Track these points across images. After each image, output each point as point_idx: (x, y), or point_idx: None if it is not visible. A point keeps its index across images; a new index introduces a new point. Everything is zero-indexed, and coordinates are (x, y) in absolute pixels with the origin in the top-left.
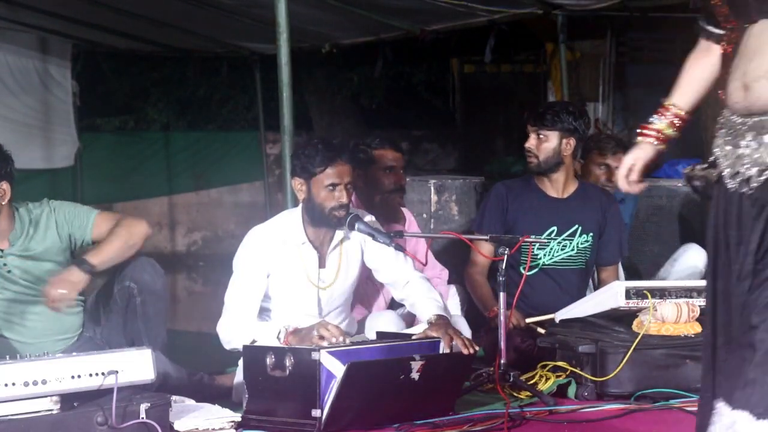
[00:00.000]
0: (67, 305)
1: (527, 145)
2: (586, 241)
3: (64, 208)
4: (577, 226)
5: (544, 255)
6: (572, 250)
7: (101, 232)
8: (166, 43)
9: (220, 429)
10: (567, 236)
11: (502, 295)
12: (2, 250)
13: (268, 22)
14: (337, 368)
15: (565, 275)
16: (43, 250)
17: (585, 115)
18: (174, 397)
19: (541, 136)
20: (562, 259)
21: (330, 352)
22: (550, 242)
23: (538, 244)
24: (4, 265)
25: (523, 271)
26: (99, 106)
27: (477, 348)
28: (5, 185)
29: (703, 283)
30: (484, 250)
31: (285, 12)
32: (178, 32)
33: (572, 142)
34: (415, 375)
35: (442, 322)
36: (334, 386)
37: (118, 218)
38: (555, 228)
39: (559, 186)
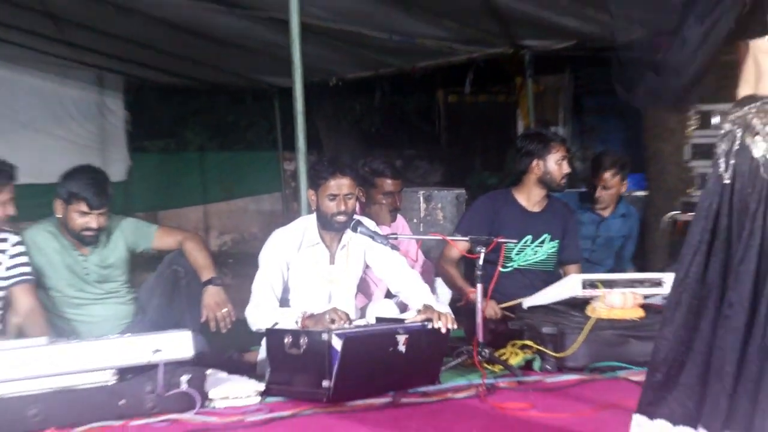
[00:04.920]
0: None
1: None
2: (553, 247)
3: (129, 224)
4: (546, 235)
5: (519, 258)
6: (543, 254)
7: (162, 241)
8: (201, 78)
9: (247, 396)
10: (539, 243)
11: (479, 286)
12: (85, 256)
13: (285, 60)
14: (340, 345)
15: (537, 275)
16: (115, 260)
17: None
18: (209, 371)
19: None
20: (535, 261)
21: (337, 334)
22: (517, 244)
23: (514, 248)
24: (84, 268)
25: (501, 268)
26: (146, 130)
27: (455, 326)
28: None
29: (643, 275)
30: (461, 246)
31: (299, 52)
32: (211, 69)
33: None
34: (401, 348)
35: (429, 308)
36: (340, 360)
37: (181, 231)
38: (530, 236)
39: (531, 201)
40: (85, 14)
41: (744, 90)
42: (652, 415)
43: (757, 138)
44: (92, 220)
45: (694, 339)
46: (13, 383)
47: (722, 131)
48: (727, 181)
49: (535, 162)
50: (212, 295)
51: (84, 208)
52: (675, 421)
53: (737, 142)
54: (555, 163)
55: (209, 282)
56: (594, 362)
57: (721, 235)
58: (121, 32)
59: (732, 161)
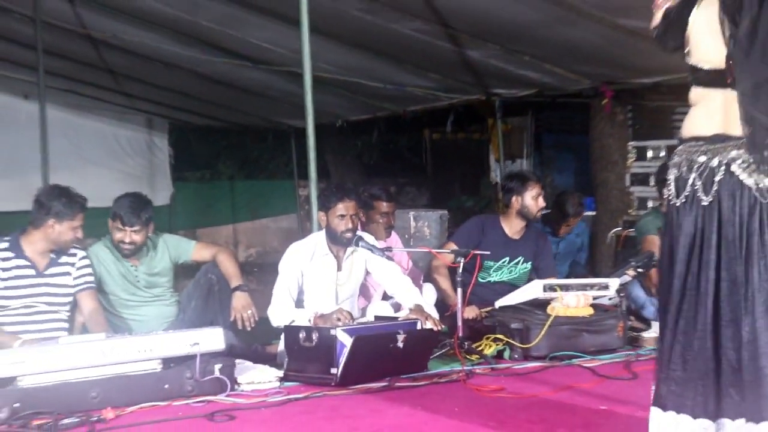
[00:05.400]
0: (251, 316)
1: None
2: (526, 268)
3: (172, 240)
4: (521, 257)
5: (496, 274)
6: (516, 273)
7: (199, 254)
8: (231, 120)
9: (269, 382)
10: (514, 264)
11: (459, 291)
12: (136, 267)
13: (300, 106)
14: (347, 340)
15: (509, 288)
16: (160, 270)
17: None
18: (237, 360)
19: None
20: (509, 278)
21: (343, 330)
22: (496, 263)
23: (493, 265)
24: (135, 276)
25: (479, 279)
26: (186, 163)
27: (442, 326)
28: (152, 226)
29: (593, 280)
30: (447, 257)
31: (311, 99)
32: (239, 113)
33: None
34: (400, 344)
35: (419, 308)
36: (346, 352)
37: (215, 246)
38: (507, 258)
39: (513, 229)
40: (138, 70)
41: (699, 129)
42: (664, 408)
43: (749, 170)
44: (125, 236)
45: (694, 339)
46: (78, 371)
47: (696, 163)
48: (705, 204)
49: (514, 198)
50: (239, 299)
51: (119, 224)
52: (695, 415)
53: (721, 173)
54: (531, 199)
55: (237, 288)
56: (553, 352)
57: (712, 248)
58: (166, 84)
59: (715, 188)
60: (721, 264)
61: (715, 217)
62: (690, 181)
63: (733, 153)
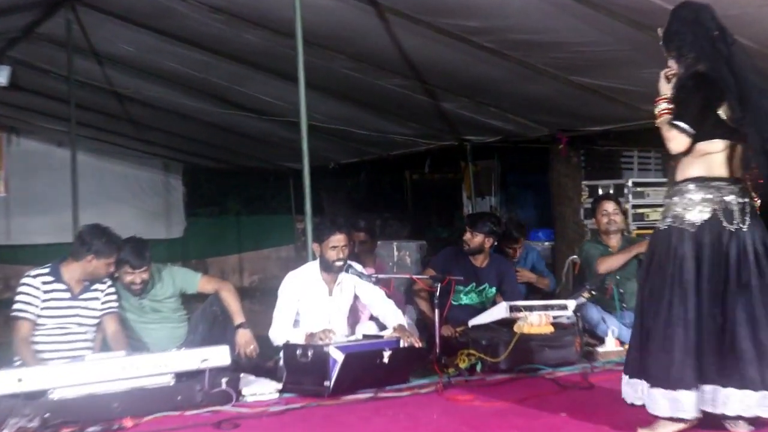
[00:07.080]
0: (252, 351)
1: (464, 238)
2: (492, 292)
3: (180, 272)
4: (486, 284)
5: (467, 297)
6: (484, 298)
7: (204, 287)
8: (237, 163)
9: (270, 393)
10: (481, 289)
11: (437, 311)
12: (140, 297)
13: (297, 150)
14: (339, 356)
15: (479, 310)
16: (164, 298)
17: (501, 223)
18: (241, 374)
19: (474, 236)
20: (478, 302)
21: (335, 346)
22: (466, 287)
23: (464, 289)
24: (141, 305)
25: (453, 301)
26: (197, 201)
27: (422, 343)
28: (146, 266)
29: (553, 301)
30: (425, 282)
31: (306, 144)
32: (244, 157)
33: (491, 240)
34: (386, 360)
35: (401, 327)
36: (337, 367)
37: (219, 281)
38: (474, 284)
39: (479, 259)
40: (156, 120)
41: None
42: (631, 376)
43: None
44: (135, 277)
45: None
46: (102, 384)
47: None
48: (693, 230)
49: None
50: (242, 336)
51: (129, 269)
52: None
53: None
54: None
55: (240, 326)
56: (520, 365)
57: (708, 262)
58: (181, 132)
59: (747, 218)
60: (736, 270)
61: (705, 243)
62: (678, 216)
63: (723, 195)
